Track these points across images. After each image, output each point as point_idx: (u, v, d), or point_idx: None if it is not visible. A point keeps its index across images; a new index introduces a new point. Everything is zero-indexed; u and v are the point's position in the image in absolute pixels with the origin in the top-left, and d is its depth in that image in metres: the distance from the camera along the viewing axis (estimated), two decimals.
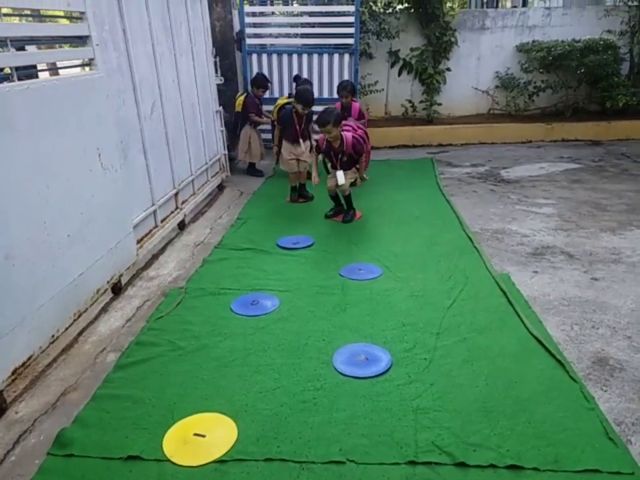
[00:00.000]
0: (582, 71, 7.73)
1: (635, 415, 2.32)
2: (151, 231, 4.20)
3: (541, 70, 8.04)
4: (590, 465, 2.04)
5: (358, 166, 4.94)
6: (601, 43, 7.63)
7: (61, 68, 3.37)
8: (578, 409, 2.35)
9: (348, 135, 4.63)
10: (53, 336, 2.78)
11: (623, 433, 2.22)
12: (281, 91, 7.44)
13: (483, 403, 2.42)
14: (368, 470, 2.07)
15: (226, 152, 6.24)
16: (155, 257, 4.20)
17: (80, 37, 3.13)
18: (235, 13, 7.26)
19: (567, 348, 2.83)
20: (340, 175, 4.68)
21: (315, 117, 5.06)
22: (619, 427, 2.25)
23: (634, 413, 2.34)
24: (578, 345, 2.85)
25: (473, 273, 3.72)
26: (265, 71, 7.37)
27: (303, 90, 5.46)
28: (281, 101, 6.28)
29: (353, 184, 5.04)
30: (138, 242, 3.88)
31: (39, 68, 3.87)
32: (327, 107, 4.86)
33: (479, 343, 2.88)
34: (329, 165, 5.09)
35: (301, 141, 5.42)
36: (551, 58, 7.64)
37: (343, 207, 4.98)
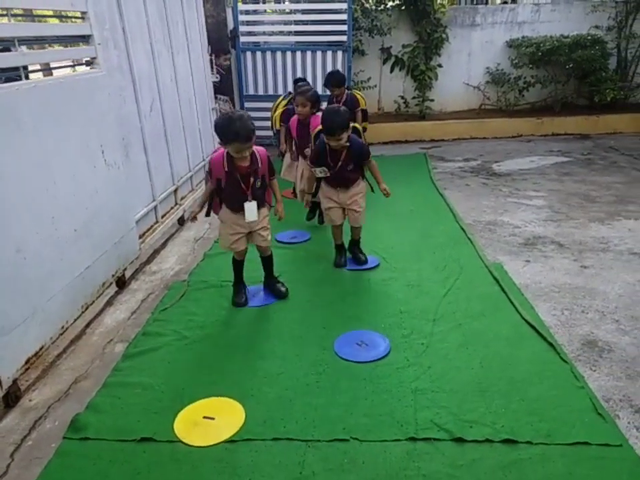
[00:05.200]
0: (570, 65, 7.86)
1: (623, 392, 2.44)
2: (152, 226, 4.28)
3: (531, 65, 8.17)
4: (580, 438, 2.17)
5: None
6: (589, 38, 7.77)
7: (55, 68, 3.43)
8: (569, 387, 2.47)
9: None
10: (62, 327, 2.87)
11: (611, 408, 2.34)
12: (275, 88, 7.50)
13: (479, 383, 2.53)
14: (371, 446, 2.18)
15: None
16: (156, 252, 4.28)
17: (83, 36, 3.21)
18: (229, 11, 7.33)
19: (557, 332, 2.95)
20: (250, 207, 3.06)
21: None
22: (607, 403, 2.37)
23: (621, 390, 2.46)
24: (568, 329, 2.98)
25: (467, 262, 3.83)
26: (259, 69, 7.44)
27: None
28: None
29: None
30: (140, 237, 3.96)
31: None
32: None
33: (473, 328, 3.00)
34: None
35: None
36: (540, 53, 7.76)
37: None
